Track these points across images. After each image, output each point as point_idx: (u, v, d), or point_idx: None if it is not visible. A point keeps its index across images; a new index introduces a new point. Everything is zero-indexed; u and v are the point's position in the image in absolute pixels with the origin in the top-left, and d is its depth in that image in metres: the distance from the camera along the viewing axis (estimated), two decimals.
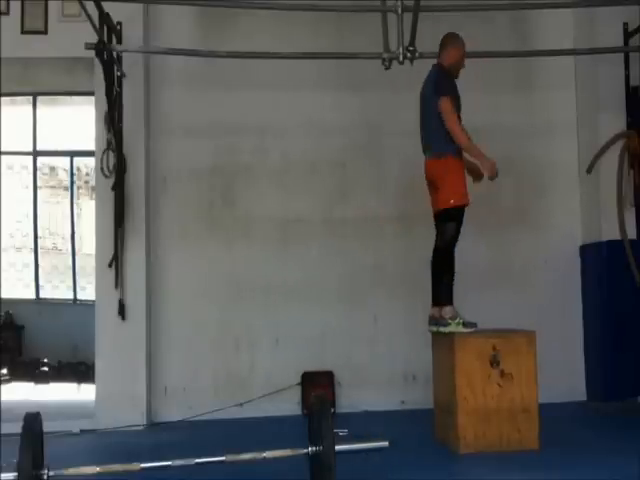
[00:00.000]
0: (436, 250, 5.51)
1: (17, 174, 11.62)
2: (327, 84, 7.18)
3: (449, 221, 5.42)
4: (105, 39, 5.87)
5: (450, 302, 5.39)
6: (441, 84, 5.41)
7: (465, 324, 5.24)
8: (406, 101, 7.14)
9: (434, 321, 5.43)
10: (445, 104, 5.32)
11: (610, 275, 6.89)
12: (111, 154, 6.46)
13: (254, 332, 7.06)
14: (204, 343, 7.00)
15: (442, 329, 5.30)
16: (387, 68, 5.76)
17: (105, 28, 5.94)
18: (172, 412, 6.82)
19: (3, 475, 3.41)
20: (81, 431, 6.37)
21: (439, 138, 5.37)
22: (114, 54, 6.11)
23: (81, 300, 11.33)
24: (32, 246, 11.58)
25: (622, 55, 6.88)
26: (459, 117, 5.45)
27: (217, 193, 7.17)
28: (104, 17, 5.85)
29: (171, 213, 7.08)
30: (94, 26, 5.62)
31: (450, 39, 5.58)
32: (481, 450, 5.02)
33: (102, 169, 6.45)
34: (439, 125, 5.36)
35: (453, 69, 5.55)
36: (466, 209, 7.14)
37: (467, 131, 5.45)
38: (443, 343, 5.41)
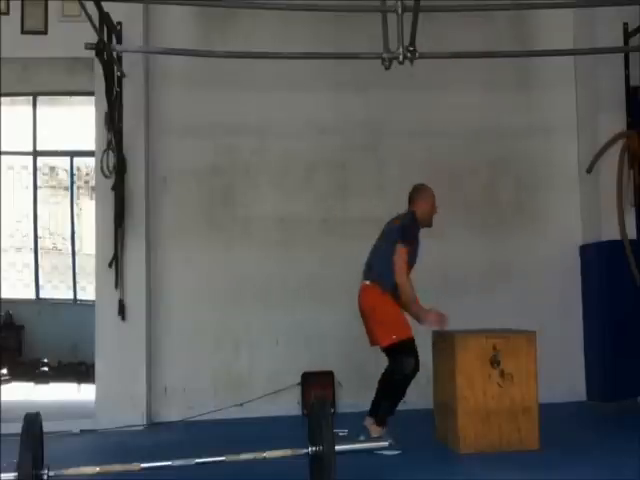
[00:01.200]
0: (390, 376, 5.30)
1: (17, 174, 11.61)
2: (327, 84, 7.18)
3: (405, 356, 5.24)
4: (105, 39, 5.87)
5: (383, 424, 5.26)
6: (407, 232, 5.42)
7: (391, 446, 4.77)
8: (406, 101, 7.21)
9: (363, 429, 5.27)
10: (402, 254, 5.33)
11: (610, 275, 6.89)
12: (111, 154, 6.45)
13: (254, 332, 7.06)
14: (204, 343, 7.00)
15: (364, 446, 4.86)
16: (387, 68, 5.75)
17: (105, 28, 5.94)
18: (172, 412, 6.83)
19: (3, 475, 3.41)
20: (81, 431, 6.37)
21: (387, 273, 5.34)
22: (114, 54, 6.11)
23: (81, 300, 11.31)
24: (32, 246, 11.56)
25: (622, 55, 6.88)
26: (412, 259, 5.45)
27: (217, 193, 7.17)
28: (104, 17, 5.85)
29: (171, 213, 7.08)
30: (94, 26, 5.61)
31: (418, 192, 5.62)
32: (481, 450, 5.02)
33: (102, 169, 6.44)
34: (391, 263, 5.34)
35: (424, 219, 5.55)
36: (467, 208, 7.19)
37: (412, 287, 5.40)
38: (443, 343, 5.42)
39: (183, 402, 6.88)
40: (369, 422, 5.32)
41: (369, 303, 5.42)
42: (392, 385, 5.31)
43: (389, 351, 5.35)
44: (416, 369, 5.25)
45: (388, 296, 5.36)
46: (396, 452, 4.98)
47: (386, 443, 4.25)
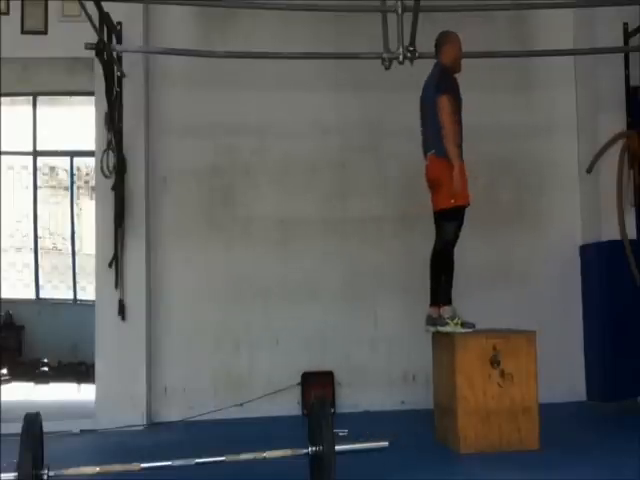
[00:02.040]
0: (435, 250, 5.52)
1: (17, 174, 11.61)
2: (327, 84, 7.18)
3: (449, 221, 5.43)
4: (105, 39, 5.87)
5: (449, 302, 5.39)
6: (442, 83, 5.40)
7: (464, 324, 5.24)
8: (406, 101, 7.14)
9: (432, 321, 5.43)
10: (443, 102, 5.32)
11: (610, 275, 6.89)
12: (111, 154, 6.45)
13: (254, 332, 7.05)
14: (204, 343, 7.00)
15: (440, 329, 5.31)
16: (387, 68, 5.76)
17: (105, 28, 5.94)
18: (172, 412, 6.82)
19: (3, 475, 3.41)
20: (81, 431, 6.36)
21: (440, 138, 5.36)
22: (114, 54, 6.11)
23: (81, 300, 11.32)
24: (32, 246, 11.58)
25: (622, 55, 6.88)
26: (458, 120, 5.43)
27: (217, 193, 7.17)
28: (104, 17, 5.85)
29: (171, 213, 7.08)
30: (94, 26, 5.62)
31: (443, 37, 5.58)
32: (481, 450, 5.02)
33: (102, 169, 6.44)
34: (440, 125, 5.35)
35: (453, 66, 5.54)
36: (467, 208, 7.16)
37: (462, 135, 5.44)
38: (443, 343, 5.41)
39: (183, 402, 6.88)
40: (435, 311, 5.41)
41: (434, 174, 5.47)
42: (439, 262, 5.45)
43: (440, 218, 5.48)
44: (456, 237, 5.42)
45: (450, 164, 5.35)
46: (469, 330, 5.20)
47: (386, 443, 4.24)
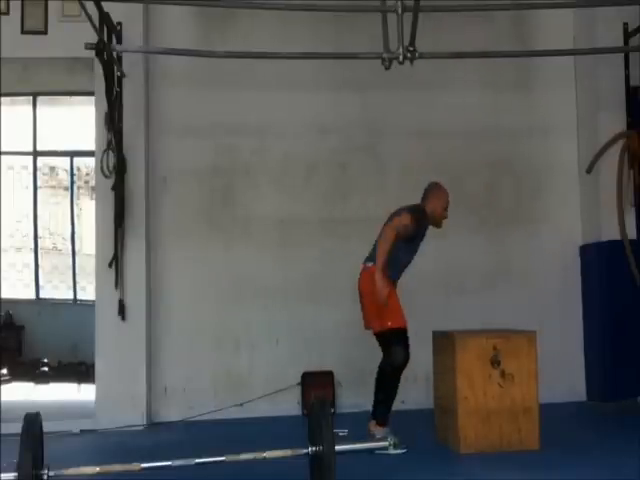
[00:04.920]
0: (382, 369, 5.38)
1: (17, 174, 11.61)
2: (327, 84, 7.18)
3: (395, 345, 5.29)
4: (105, 39, 5.86)
5: (384, 423, 5.29)
6: (409, 216, 5.37)
7: (396, 445, 4.85)
8: (406, 101, 7.21)
9: (369, 434, 5.28)
10: (392, 230, 5.30)
11: (610, 275, 6.89)
12: (111, 154, 6.45)
13: (254, 332, 7.06)
14: (204, 343, 7.00)
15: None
16: (387, 68, 5.75)
17: (105, 28, 5.93)
18: (172, 412, 6.82)
19: (3, 475, 3.41)
20: (81, 431, 6.36)
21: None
22: (114, 54, 6.10)
23: (81, 300, 11.31)
24: (32, 246, 11.56)
25: (622, 55, 6.88)
26: (406, 257, 5.43)
27: (217, 193, 7.17)
28: (104, 17, 5.85)
29: (171, 213, 7.08)
30: (94, 26, 5.61)
31: (432, 189, 5.59)
32: (482, 450, 5.02)
33: (102, 169, 6.44)
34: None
35: (433, 217, 5.53)
36: (467, 208, 7.18)
37: (401, 268, 5.47)
38: (444, 343, 5.41)
39: (183, 402, 6.88)
40: (372, 425, 5.32)
41: (368, 286, 5.40)
42: (384, 378, 5.34)
43: (381, 338, 5.37)
44: (406, 361, 5.27)
45: (387, 281, 5.34)
46: (401, 451, 4.98)
47: (386, 443, 4.25)
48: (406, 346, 5.29)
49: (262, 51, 6.34)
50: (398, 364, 5.28)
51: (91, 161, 7.79)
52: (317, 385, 6.81)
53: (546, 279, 7.23)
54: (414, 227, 5.39)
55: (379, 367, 5.41)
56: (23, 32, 6.69)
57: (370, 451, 4.47)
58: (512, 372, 5.11)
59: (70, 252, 11.45)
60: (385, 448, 4.48)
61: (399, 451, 4.97)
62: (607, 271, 6.92)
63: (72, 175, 11.66)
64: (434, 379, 5.66)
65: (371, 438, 5.18)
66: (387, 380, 5.33)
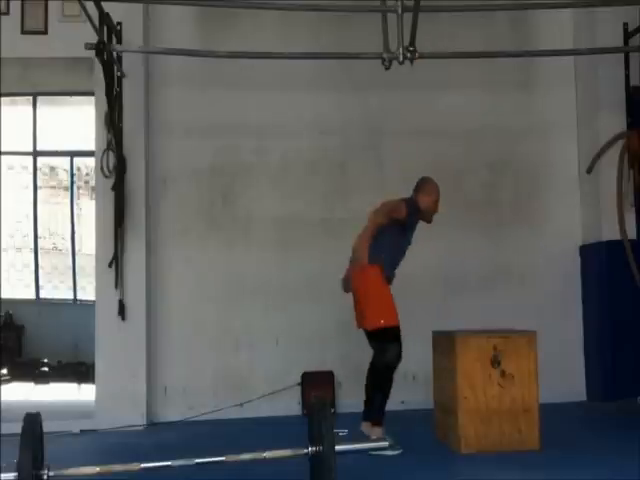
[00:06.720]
0: (374, 367, 5.34)
1: (17, 174, 11.61)
2: (327, 84, 7.18)
3: (388, 342, 5.25)
4: (105, 39, 5.87)
5: (380, 423, 5.25)
6: (398, 200, 5.39)
7: (391, 446, 4.74)
8: (406, 101, 7.20)
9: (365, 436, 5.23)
10: (378, 215, 5.33)
11: (610, 275, 6.89)
12: (111, 154, 6.46)
13: (254, 332, 7.06)
14: (204, 343, 7.00)
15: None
16: (387, 68, 5.75)
17: (105, 28, 5.93)
18: (172, 412, 6.82)
19: (3, 475, 3.41)
20: (81, 431, 6.36)
21: (373, 250, 5.31)
22: (114, 54, 6.11)
23: (81, 300, 11.31)
24: (32, 246, 11.56)
25: (622, 55, 6.88)
26: (398, 247, 5.42)
27: (217, 193, 7.17)
28: (104, 17, 5.85)
29: (171, 213, 7.08)
30: (94, 26, 5.61)
31: (423, 184, 5.58)
32: (482, 450, 5.02)
33: (102, 169, 6.45)
34: (375, 235, 5.34)
35: (423, 210, 5.52)
36: (467, 208, 7.19)
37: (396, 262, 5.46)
38: (444, 343, 5.42)
39: (183, 402, 6.88)
40: (366, 426, 5.30)
41: (357, 281, 5.39)
42: (376, 377, 5.32)
43: (373, 337, 5.34)
44: (398, 359, 5.25)
45: (380, 278, 5.34)
46: (397, 452, 4.97)
47: (386, 443, 4.24)
48: (399, 344, 5.28)
49: (263, 51, 6.34)
50: (393, 362, 5.27)
51: (91, 161, 7.79)
52: (317, 385, 6.80)
53: (546, 279, 7.23)
54: (406, 210, 5.36)
55: (372, 366, 5.37)
56: (23, 32, 6.68)
57: (366, 452, 4.46)
58: (512, 372, 5.11)
59: (70, 252, 11.45)
60: (384, 448, 4.48)
61: (395, 452, 4.95)
62: (607, 271, 6.93)
63: (72, 175, 11.67)
64: (434, 379, 5.67)
65: (367, 439, 5.14)
66: (382, 379, 5.31)
